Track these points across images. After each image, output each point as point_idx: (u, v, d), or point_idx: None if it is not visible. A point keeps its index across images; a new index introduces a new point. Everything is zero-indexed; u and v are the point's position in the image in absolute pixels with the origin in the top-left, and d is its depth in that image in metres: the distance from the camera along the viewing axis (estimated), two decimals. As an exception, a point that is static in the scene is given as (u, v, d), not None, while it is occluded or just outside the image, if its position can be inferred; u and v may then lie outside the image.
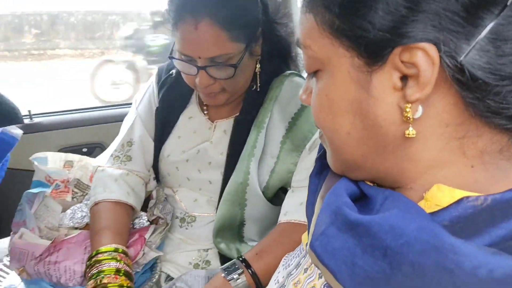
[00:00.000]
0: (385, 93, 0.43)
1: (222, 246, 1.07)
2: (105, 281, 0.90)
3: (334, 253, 0.43)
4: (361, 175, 0.50)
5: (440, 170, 0.44)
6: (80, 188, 1.20)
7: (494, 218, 0.39)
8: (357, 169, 0.49)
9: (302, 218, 0.99)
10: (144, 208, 1.17)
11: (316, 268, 0.53)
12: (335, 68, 0.45)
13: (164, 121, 1.15)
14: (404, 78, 0.42)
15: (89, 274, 0.93)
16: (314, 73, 0.48)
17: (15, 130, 1.12)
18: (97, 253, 0.96)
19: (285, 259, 0.63)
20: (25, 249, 1.01)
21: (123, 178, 1.13)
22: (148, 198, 1.20)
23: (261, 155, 1.04)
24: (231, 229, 1.08)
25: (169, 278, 1.10)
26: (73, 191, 1.18)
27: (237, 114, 1.09)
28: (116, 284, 0.90)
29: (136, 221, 1.13)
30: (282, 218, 1.03)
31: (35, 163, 1.17)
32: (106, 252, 0.96)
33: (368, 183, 0.50)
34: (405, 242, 0.38)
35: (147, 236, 1.07)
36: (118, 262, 0.94)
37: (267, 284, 0.76)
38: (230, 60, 0.95)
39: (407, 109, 0.42)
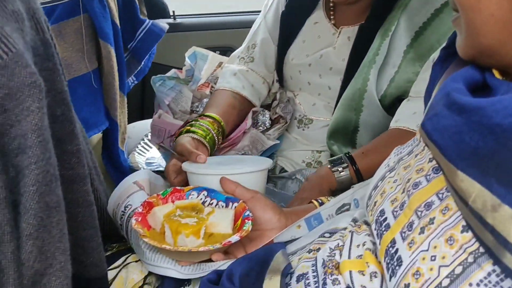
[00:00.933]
0: None
1: (335, 148, 1.14)
2: (191, 128, 1.02)
3: (443, 131, 0.47)
4: (492, 62, 0.50)
5: None
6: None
7: None
8: (490, 55, 0.49)
9: (413, 126, 1.01)
10: (269, 108, 1.28)
11: (427, 153, 0.57)
12: None
13: (290, 25, 1.21)
14: None
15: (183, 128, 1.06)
16: None
17: (162, 24, 1.26)
18: (198, 116, 1.09)
19: (397, 148, 0.67)
20: (162, 127, 1.18)
21: (242, 73, 1.24)
22: (272, 101, 1.30)
23: (382, 63, 1.06)
24: (344, 133, 1.13)
25: (283, 170, 1.21)
26: (212, 86, 1.32)
27: (363, 22, 1.11)
28: (203, 134, 1.02)
29: (260, 117, 1.24)
30: (392, 124, 1.05)
31: (188, 60, 1.32)
32: (206, 116, 1.09)
33: (496, 74, 0.51)
34: None
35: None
36: (211, 127, 1.06)
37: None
38: None
39: None
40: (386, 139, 1.05)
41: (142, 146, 1.28)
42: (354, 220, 0.67)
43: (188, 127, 1.05)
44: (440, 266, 0.46)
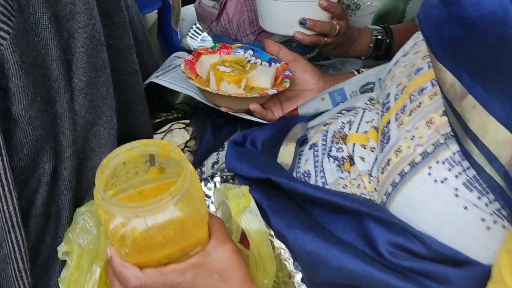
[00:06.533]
0: None
1: None
2: None
3: (431, 21, 0.49)
4: None
5: None
6: None
7: None
8: None
9: None
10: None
11: None
12: None
13: None
14: None
15: None
16: None
17: None
18: None
19: (417, 33, 0.69)
20: (204, 14, 1.23)
21: None
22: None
23: None
24: (389, 23, 1.13)
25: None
26: None
27: None
28: None
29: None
30: None
31: None
32: None
33: None
34: (480, 15, 0.43)
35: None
36: None
37: None
38: None
39: None
40: (410, 27, 1.03)
41: (195, 30, 1.34)
42: (371, 99, 0.72)
43: None
44: (416, 145, 0.51)
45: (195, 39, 1.33)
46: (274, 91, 0.78)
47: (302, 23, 0.87)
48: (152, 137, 0.84)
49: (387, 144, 0.55)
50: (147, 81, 0.90)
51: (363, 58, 1.05)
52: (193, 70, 0.84)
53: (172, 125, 0.93)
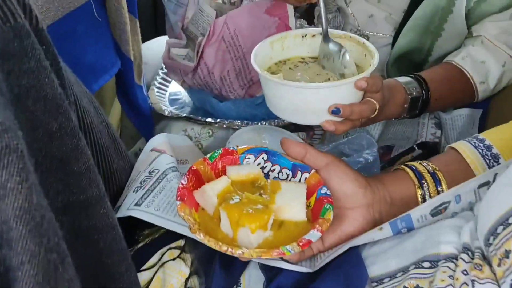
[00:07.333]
0: None
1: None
2: None
3: None
4: None
5: None
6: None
7: None
8: None
9: (476, 77, 0.87)
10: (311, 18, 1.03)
11: None
12: None
13: None
14: None
15: None
16: None
17: None
18: None
19: None
20: (175, 67, 0.97)
21: None
22: (313, 6, 1.04)
23: None
24: (411, 63, 0.95)
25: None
26: None
27: None
28: None
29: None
30: (458, 60, 0.87)
31: None
32: None
33: None
34: None
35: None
36: None
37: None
38: None
39: None
40: (445, 75, 0.87)
41: (162, 78, 1.06)
42: (467, 249, 0.50)
43: None
44: None
45: (164, 90, 1.05)
46: (318, 236, 0.55)
47: (335, 112, 0.64)
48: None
49: None
50: (122, 214, 0.64)
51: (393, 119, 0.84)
52: (191, 201, 0.59)
53: (163, 254, 0.68)
